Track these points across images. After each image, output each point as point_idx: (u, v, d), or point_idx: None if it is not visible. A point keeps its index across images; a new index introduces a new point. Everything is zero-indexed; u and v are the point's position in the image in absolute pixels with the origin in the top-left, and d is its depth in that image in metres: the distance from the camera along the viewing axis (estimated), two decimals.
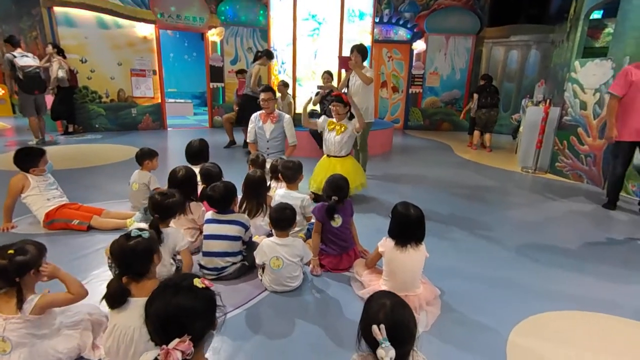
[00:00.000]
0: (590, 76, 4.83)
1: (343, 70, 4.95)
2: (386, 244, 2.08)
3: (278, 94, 5.95)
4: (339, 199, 2.38)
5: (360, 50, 4.29)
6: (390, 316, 1.11)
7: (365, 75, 4.27)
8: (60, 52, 6.33)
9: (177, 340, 0.97)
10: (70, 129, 6.81)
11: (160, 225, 2.04)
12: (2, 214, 2.91)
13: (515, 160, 6.16)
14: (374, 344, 1.10)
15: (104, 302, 1.49)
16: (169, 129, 8.09)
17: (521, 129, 6.20)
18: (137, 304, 1.44)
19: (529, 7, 8.56)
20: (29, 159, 2.86)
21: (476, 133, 7.03)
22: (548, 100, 5.50)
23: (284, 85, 5.92)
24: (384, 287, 2.08)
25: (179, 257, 2.29)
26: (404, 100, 9.40)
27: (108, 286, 1.49)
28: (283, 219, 2.17)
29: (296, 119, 5.13)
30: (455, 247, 2.94)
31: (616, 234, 3.35)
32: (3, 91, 9.20)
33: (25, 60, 5.64)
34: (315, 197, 3.69)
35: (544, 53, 8.37)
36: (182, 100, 10.82)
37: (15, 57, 5.56)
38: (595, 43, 7.37)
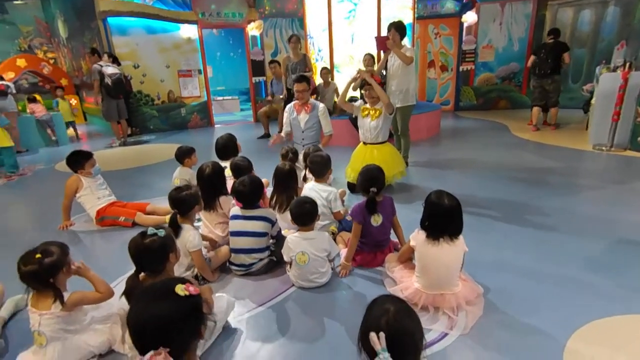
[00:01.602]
0: None
1: (382, 52, 4.67)
2: (417, 237, 1.89)
3: (321, 81, 5.81)
4: (377, 190, 2.20)
5: (398, 28, 3.99)
6: (393, 324, 0.98)
7: (404, 54, 3.97)
8: (115, 60, 6.81)
9: (151, 352, 0.91)
10: (128, 132, 7.35)
11: (182, 221, 2.05)
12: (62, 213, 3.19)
13: (585, 137, 5.39)
14: (372, 353, 0.97)
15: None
16: (216, 125, 8.40)
17: (593, 100, 5.39)
18: None
19: None
20: (75, 160, 3.09)
21: (534, 110, 6.05)
22: (628, 64, 4.69)
23: (327, 72, 5.74)
24: (416, 285, 1.90)
25: (210, 254, 2.31)
26: (454, 79, 8.72)
27: (127, 282, 1.52)
28: (303, 213, 2.07)
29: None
30: (505, 238, 2.61)
31: None
32: (76, 101, 10.23)
33: (110, 69, 6.34)
34: (352, 188, 3.56)
35: (625, 9, 7.15)
36: (229, 97, 11.18)
37: (102, 66, 6.27)
38: None
